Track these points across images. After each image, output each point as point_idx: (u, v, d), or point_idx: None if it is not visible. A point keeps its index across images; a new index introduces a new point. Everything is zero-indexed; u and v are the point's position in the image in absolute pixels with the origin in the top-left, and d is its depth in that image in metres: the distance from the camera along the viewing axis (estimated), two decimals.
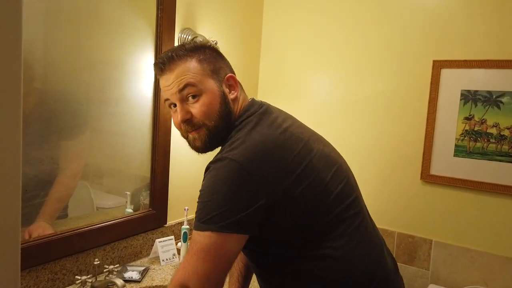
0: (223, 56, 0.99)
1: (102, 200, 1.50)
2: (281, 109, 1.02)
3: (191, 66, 0.90)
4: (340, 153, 1.04)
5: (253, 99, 0.99)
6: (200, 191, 0.85)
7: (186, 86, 0.89)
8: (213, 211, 0.80)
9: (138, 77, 1.50)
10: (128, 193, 1.57)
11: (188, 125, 0.91)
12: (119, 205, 1.54)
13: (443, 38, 1.72)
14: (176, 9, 1.58)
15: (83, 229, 1.35)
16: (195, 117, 0.90)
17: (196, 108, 0.90)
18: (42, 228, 1.26)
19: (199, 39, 1.62)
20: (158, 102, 1.56)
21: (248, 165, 0.81)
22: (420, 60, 1.77)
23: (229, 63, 1.00)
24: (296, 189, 0.84)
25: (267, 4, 2.18)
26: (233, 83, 0.95)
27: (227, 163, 0.81)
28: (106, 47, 1.38)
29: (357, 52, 1.93)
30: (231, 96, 0.94)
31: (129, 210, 1.57)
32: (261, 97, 2.18)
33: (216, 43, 1.63)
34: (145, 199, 1.62)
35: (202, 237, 0.81)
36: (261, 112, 0.93)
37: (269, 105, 0.99)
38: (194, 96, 0.90)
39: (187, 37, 1.62)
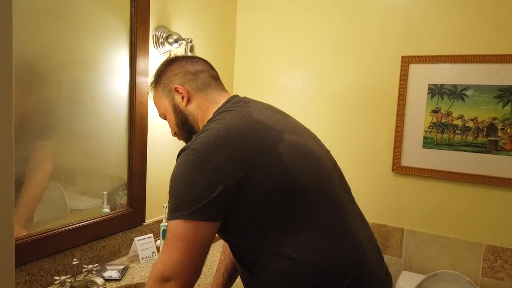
0: (177, 63, 1.08)
1: (76, 201, 1.48)
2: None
3: (155, 97, 1.12)
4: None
5: (234, 96, 1.04)
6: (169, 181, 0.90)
7: (159, 113, 1.13)
8: (179, 199, 0.84)
9: (113, 75, 1.49)
10: (105, 192, 1.55)
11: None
12: (94, 206, 1.52)
13: (411, 35, 1.79)
14: (150, 6, 1.57)
15: (59, 230, 1.33)
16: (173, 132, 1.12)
17: (169, 125, 1.11)
18: (15, 231, 1.24)
19: (174, 37, 1.62)
20: (134, 101, 1.55)
21: (206, 151, 0.84)
22: (390, 56, 1.84)
23: (184, 66, 1.07)
24: (258, 176, 0.84)
25: (241, 1, 2.19)
26: (180, 91, 1.04)
27: (188, 152, 0.86)
28: (79, 45, 1.36)
29: (329, 49, 1.98)
30: (184, 102, 1.05)
31: (106, 210, 1.55)
32: (236, 92, 2.19)
33: (191, 41, 1.63)
34: (121, 199, 1.61)
35: (173, 226, 0.84)
36: (236, 106, 0.97)
37: (250, 100, 1.02)
38: (165, 117, 1.11)
39: (162, 34, 1.62)
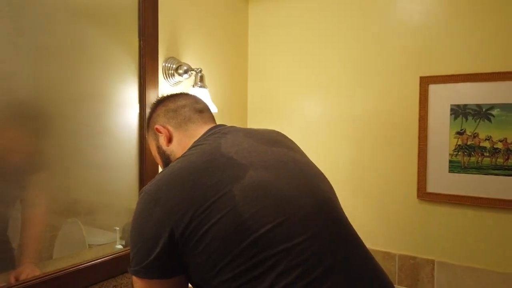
0: (161, 103, 1.05)
1: (94, 236, 1.45)
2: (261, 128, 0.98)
3: (148, 141, 1.10)
4: (322, 179, 0.89)
5: (215, 126, 0.97)
6: None
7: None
8: (132, 252, 0.78)
9: (123, 108, 1.48)
10: (117, 228, 1.51)
11: None
12: (112, 240, 1.49)
13: (429, 54, 1.73)
14: (159, 39, 1.57)
15: (70, 270, 1.28)
16: None
17: None
18: (30, 269, 1.21)
19: (183, 68, 1.61)
20: (144, 134, 1.53)
21: (155, 193, 0.77)
22: (407, 77, 1.77)
23: (166, 105, 1.03)
24: (205, 224, 0.73)
25: (252, 28, 2.19)
26: (161, 131, 1.00)
27: (141, 196, 0.80)
28: (88, 80, 1.36)
29: (345, 73, 1.93)
30: (165, 142, 1.00)
31: (119, 246, 1.51)
32: (250, 120, 2.17)
33: (200, 71, 1.62)
34: None
35: (134, 282, 0.78)
36: (209, 138, 0.89)
37: (231, 130, 0.93)
38: None
39: (171, 66, 1.61)
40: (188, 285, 0.83)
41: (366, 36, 1.87)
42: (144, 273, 0.75)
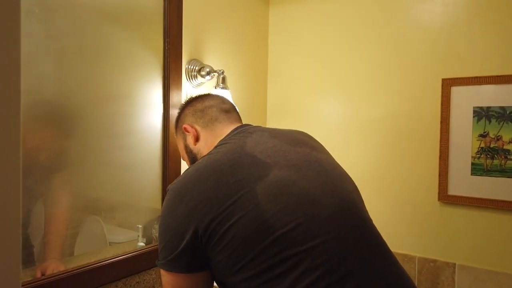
0: (189, 104, 1.09)
1: (115, 234, 1.48)
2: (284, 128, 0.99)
3: (176, 142, 1.14)
4: (347, 179, 0.90)
5: (240, 125, 0.99)
6: None
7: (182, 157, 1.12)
8: (159, 246, 0.82)
9: (147, 109, 1.51)
10: (139, 226, 1.54)
11: None
12: (132, 239, 1.52)
13: (450, 56, 1.71)
14: (183, 41, 1.60)
15: (94, 265, 1.32)
16: None
17: None
18: (55, 264, 1.24)
19: (206, 70, 1.63)
20: (167, 134, 1.56)
21: (180, 192, 0.80)
22: (429, 79, 1.76)
23: (194, 105, 1.07)
24: (227, 222, 0.74)
25: (272, 30, 2.21)
26: (189, 130, 1.03)
27: (168, 194, 0.83)
28: (114, 81, 1.40)
29: (365, 74, 1.93)
30: (193, 141, 1.03)
31: (141, 243, 1.54)
32: (269, 121, 2.18)
33: (222, 72, 1.64)
34: (157, 232, 1.59)
35: (161, 275, 0.82)
36: (235, 137, 0.91)
37: (256, 129, 0.94)
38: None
39: (194, 67, 1.64)
40: (213, 280, 0.86)
41: (387, 38, 1.87)
42: (170, 267, 0.79)
